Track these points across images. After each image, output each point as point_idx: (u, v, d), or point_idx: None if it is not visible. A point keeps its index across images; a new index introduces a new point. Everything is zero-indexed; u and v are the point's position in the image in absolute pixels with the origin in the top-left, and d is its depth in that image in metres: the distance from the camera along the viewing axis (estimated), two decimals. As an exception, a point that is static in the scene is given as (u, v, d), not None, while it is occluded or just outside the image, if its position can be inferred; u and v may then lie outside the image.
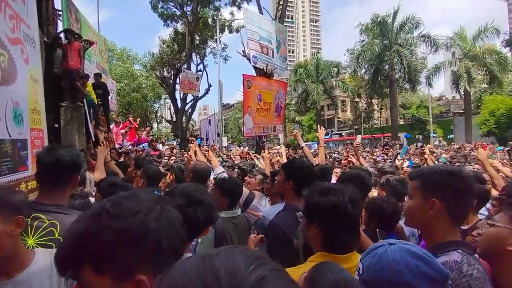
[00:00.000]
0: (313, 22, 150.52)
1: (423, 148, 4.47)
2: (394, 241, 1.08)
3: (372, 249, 1.07)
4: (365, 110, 49.70)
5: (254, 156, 7.61)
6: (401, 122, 46.42)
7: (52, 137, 5.41)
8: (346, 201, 1.50)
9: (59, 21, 7.45)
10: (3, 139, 2.33)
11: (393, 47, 31.74)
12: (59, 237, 1.58)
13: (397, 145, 25.49)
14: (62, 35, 6.81)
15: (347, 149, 4.90)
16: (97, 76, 8.33)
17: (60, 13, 7.53)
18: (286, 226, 2.05)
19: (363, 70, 36.23)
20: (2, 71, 2.37)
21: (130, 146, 10.77)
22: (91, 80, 8.03)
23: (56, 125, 6.19)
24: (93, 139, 7.19)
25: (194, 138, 5.14)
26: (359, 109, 51.08)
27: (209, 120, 21.21)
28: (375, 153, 15.01)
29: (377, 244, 1.10)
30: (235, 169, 5.11)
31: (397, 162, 6.25)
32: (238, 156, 8.76)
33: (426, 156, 4.20)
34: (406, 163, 7.33)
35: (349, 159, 5.07)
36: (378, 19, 32.37)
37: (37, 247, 1.53)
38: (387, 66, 33.84)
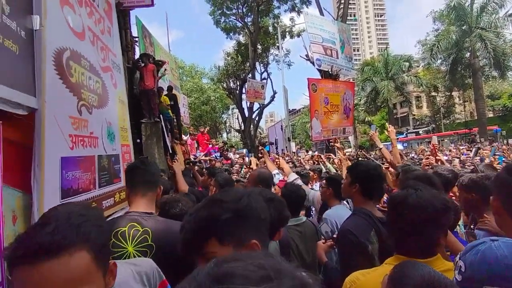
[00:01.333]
0: (377, 16, 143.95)
1: None
2: (495, 237, 1.04)
3: (473, 246, 1.04)
4: (444, 104, 45.29)
5: (326, 157, 7.50)
6: (490, 114, 41.49)
7: (136, 151, 6.02)
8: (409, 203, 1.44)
9: (136, 46, 8.26)
10: (101, 155, 2.68)
11: (473, 31, 28.44)
12: (152, 243, 1.73)
13: (487, 141, 22.72)
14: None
15: (434, 146, 4.37)
16: (169, 89, 9.06)
17: (136, 39, 8.34)
18: (358, 231, 1.97)
19: (439, 61, 33.34)
20: (98, 96, 2.74)
21: (204, 156, 11.36)
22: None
23: (138, 140, 6.81)
24: (170, 151, 7.75)
25: (262, 147, 5.22)
26: (436, 104, 46.52)
27: (281, 125, 21.37)
28: (462, 151, 13.80)
29: (477, 241, 1.05)
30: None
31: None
32: (308, 161, 8.69)
33: None
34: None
35: (437, 157, 4.45)
36: (453, 3, 29.22)
37: (137, 253, 1.69)
38: (468, 53, 30.57)
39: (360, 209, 2.16)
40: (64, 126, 2.12)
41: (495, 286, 0.94)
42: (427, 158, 4.47)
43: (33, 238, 0.84)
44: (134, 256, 1.69)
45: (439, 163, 3.97)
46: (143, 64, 7.30)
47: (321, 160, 7.27)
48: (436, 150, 4.56)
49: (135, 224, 1.76)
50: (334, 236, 2.41)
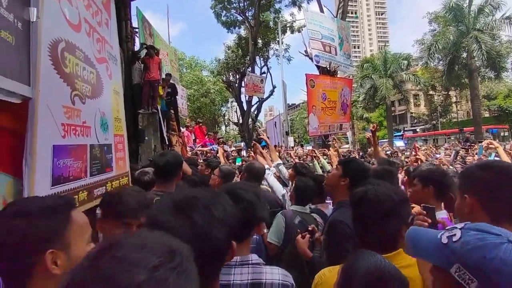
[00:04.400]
0: (378, 15, 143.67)
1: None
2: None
3: (485, 230, 0.92)
4: (442, 103, 45.54)
5: (322, 152, 7.56)
6: (486, 114, 41.98)
7: (133, 140, 6.10)
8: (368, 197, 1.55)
9: (136, 37, 8.28)
10: (93, 144, 2.75)
11: (470, 33, 28.58)
12: None
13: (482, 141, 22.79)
14: (143, 51, 7.50)
15: (415, 147, 4.53)
16: (168, 75, 8.96)
17: (136, 30, 8.35)
18: (349, 221, 1.99)
19: (436, 61, 33.39)
20: (92, 87, 2.81)
21: (201, 147, 11.47)
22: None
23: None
24: (167, 142, 7.83)
25: (255, 142, 5.38)
26: (434, 103, 46.77)
27: (275, 122, 21.38)
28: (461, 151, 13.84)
29: (495, 229, 0.92)
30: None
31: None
32: (300, 156, 8.72)
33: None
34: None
35: (417, 156, 4.78)
36: (451, 4, 29.40)
37: None
38: (465, 54, 30.63)
39: (347, 201, 2.15)
40: (57, 115, 2.19)
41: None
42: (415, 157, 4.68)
43: None
44: None
45: (419, 162, 4.16)
46: (148, 56, 7.32)
47: (315, 155, 7.33)
48: (417, 150, 4.78)
49: (158, 198, 2.28)
50: (310, 228, 2.49)
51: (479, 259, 0.86)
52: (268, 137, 5.24)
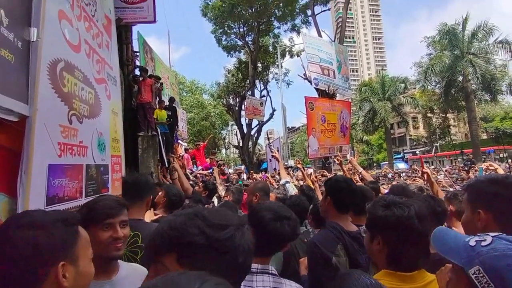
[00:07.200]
0: (375, 39, 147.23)
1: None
2: None
3: None
4: (440, 125, 46.23)
5: (320, 174, 7.48)
6: (484, 136, 43.16)
7: (132, 163, 6.07)
8: (411, 215, 1.44)
9: (137, 61, 8.42)
10: (89, 164, 2.72)
11: (465, 57, 29.44)
12: (142, 244, 1.95)
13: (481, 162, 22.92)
14: (137, 71, 7.63)
15: (421, 159, 4.72)
16: (170, 100, 9.25)
17: (137, 54, 8.50)
18: (324, 244, 2.04)
19: (434, 84, 34.14)
20: (90, 107, 2.81)
21: (201, 170, 11.42)
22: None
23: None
24: (167, 165, 7.77)
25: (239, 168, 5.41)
26: (433, 125, 47.63)
27: (269, 145, 21.34)
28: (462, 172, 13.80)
29: None
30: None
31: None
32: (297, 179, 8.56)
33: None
34: None
35: (423, 169, 4.73)
36: (446, 28, 30.34)
37: (130, 254, 1.91)
38: (461, 77, 31.40)
39: (330, 223, 2.21)
40: (54, 134, 2.17)
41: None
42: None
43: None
44: (128, 256, 1.90)
45: (425, 176, 4.05)
46: (141, 78, 7.43)
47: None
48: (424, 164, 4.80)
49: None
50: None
51: (503, 266, 0.85)
52: (277, 157, 5.14)
